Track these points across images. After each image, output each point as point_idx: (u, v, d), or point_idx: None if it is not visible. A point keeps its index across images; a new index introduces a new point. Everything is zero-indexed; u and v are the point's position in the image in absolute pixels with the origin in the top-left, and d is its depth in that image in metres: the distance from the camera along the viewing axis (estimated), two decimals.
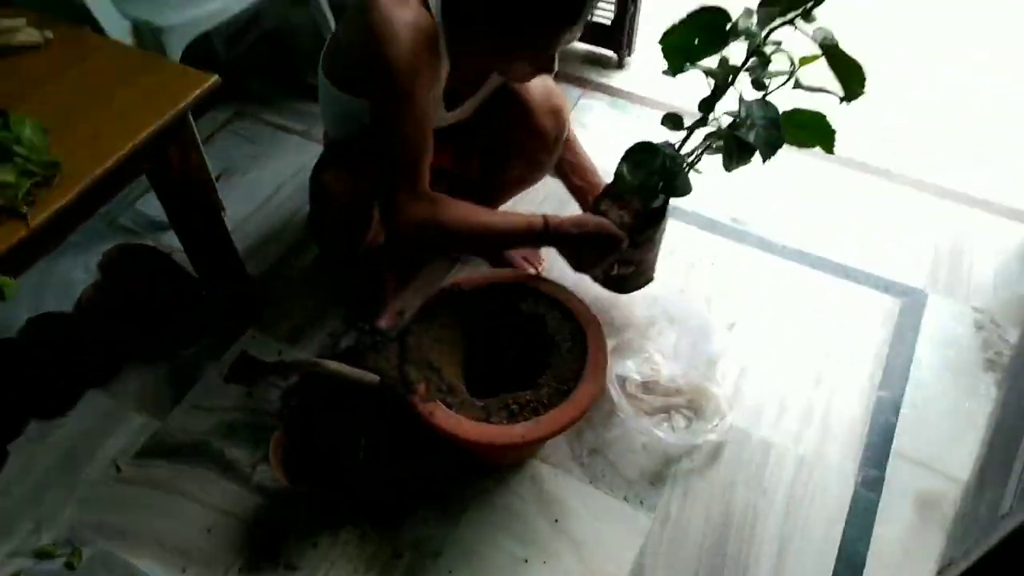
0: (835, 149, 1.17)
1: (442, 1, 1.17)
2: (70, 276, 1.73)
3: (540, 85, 1.43)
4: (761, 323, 1.63)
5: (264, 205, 1.90)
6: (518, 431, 1.18)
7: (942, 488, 1.36)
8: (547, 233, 1.28)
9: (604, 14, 2.16)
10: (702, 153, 1.28)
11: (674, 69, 1.16)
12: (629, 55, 2.25)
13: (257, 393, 1.53)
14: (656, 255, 1.52)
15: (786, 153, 1.22)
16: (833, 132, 1.17)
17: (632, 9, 2.12)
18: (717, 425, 1.39)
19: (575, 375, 1.25)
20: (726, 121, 1.20)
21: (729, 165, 1.22)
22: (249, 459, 1.43)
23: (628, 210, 1.36)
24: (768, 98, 1.17)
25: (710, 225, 1.81)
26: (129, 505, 1.38)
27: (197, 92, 1.27)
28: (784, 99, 1.15)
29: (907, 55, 2.36)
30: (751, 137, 1.14)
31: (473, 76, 1.35)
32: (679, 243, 1.73)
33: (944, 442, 1.42)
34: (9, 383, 1.49)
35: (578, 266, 1.40)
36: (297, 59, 2.29)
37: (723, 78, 1.19)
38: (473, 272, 1.69)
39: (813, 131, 1.18)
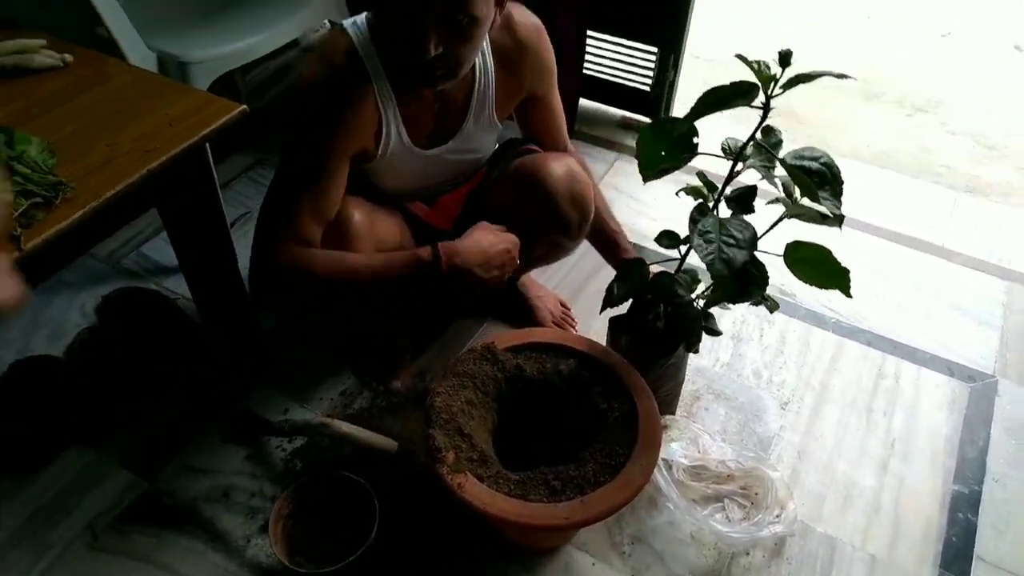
0: (865, 258, 1.05)
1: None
2: (64, 318, 1.59)
3: (563, 170, 1.28)
4: (816, 402, 1.48)
5: None
6: (561, 512, 1.02)
7: None
8: (437, 258, 1.15)
9: (642, 81, 2.11)
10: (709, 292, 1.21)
11: (646, 177, 1.07)
12: None
13: (258, 456, 1.37)
14: (678, 389, 1.41)
15: None
16: (845, 271, 1.06)
17: (671, 76, 2.06)
18: (780, 516, 1.23)
19: (625, 449, 1.09)
20: None
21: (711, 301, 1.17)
22: (243, 530, 1.26)
23: (638, 336, 1.27)
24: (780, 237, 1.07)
25: None
26: None
27: (222, 120, 1.17)
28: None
29: (963, 135, 2.30)
30: (703, 252, 1.01)
31: (428, 101, 1.20)
32: (722, 313, 1.61)
33: None
34: None
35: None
36: None
37: (707, 195, 1.13)
38: (507, 331, 1.55)
39: (821, 269, 1.07)
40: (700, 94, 0.97)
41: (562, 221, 1.30)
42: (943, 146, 2.25)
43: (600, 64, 2.13)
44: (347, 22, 1.13)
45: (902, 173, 2.10)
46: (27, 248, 0.94)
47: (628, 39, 2.05)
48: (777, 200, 1.11)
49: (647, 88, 2.10)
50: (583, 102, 2.17)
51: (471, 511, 1.03)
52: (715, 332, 1.25)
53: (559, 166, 1.28)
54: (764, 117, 1.00)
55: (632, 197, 1.95)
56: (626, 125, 2.21)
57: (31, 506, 1.29)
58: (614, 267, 1.43)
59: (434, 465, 1.07)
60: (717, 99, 0.96)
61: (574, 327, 1.61)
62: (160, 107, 1.16)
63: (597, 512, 1.02)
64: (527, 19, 1.21)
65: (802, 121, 2.19)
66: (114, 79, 1.22)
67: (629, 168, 2.05)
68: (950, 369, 1.54)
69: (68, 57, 1.23)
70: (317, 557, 1.16)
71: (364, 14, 1.13)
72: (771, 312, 1.20)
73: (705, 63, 2.62)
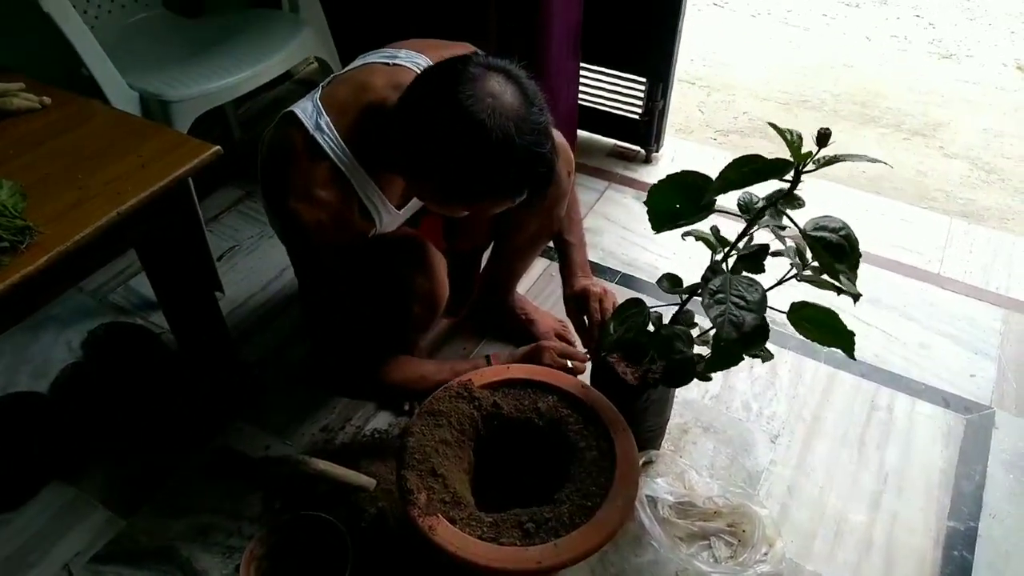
0: (858, 286, 0.99)
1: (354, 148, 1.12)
2: (50, 354, 1.59)
3: None
4: (807, 436, 1.45)
5: (266, 288, 1.78)
6: (533, 555, 0.99)
7: None
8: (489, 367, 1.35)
9: (632, 109, 2.10)
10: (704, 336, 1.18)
11: (657, 228, 1.05)
12: (657, 151, 2.18)
13: (237, 494, 1.35)
14: (663, 424, 1.39)
15: None
16: (851, 334, 1.04)
17: (661, 105, 2.06)
18: (768, 554, 1.20)
19: (601, 489, 1.07)
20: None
21: (711, 365, 1.12)
22: (220, 570, 1.24)
23: (635, 369, 1.25)
24: (779, 289, 1.05)
25: None
26: None
27: (195, 161, 1.16)
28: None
29: (960, 159, 2.28)
30: (713, 313, 0.98)
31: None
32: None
33: None
34: None
35: None
36: None
37: (716, 248, 1.09)
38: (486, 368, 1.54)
39: (827, 330, 1.05)
40: (733, 159, 0.93)
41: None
42: (940, 170, 2.23)
43: (590, 94, 2.13)
44: (313, 130, 1.11)
45: (897, 199, 2.07)
46: None
47: (617, 70, 2.06)
48: (780, 253, 1.08)
49: (637, 117, 2.10)
50: None
51: (442, 554, 1.01)
52: (707, 378, 1.21)
53: None
54: (792, 188, 0.96)
55: (622, 226, 1.94)
56: (617, 154, 2.20)
57: (8, 547, 1.28)
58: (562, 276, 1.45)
59: (406, 507, 1.05)
60: (752, 171, 0.93)
61: (573, 343, 1.60)
62: (134, 148, 1.17)
63: (570, 556, 1.00)
64: None
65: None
66: (91, 120, 1.23)
67: (619, 197, 2.04)
68: (945, 400, 1.51)
69: (46, 99, 1.24)
70: None
71: (314, 108, 1.12)
72: (763, 362, 1.17)
73: (699, 89, 2.61)
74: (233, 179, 2.08)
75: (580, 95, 2.10)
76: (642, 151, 2.19)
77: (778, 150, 0.92)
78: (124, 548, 1.28)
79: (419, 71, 1.16)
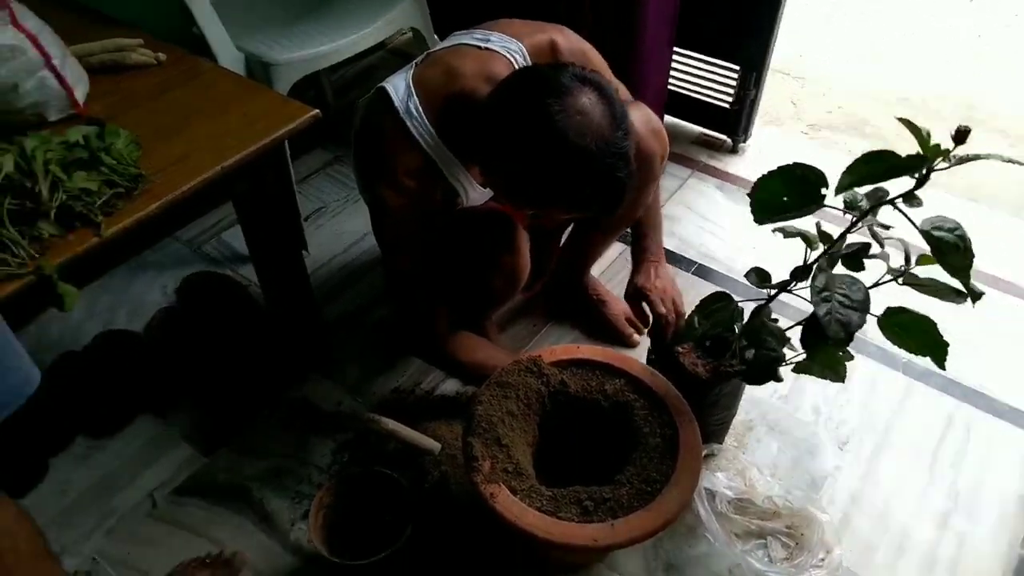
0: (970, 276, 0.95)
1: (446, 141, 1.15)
2: (146, 297, 1.70)
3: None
4: (877, 445, 1.42)
5: (349, 249, 1.84)
6: (590, 532, 1.01)
7: None
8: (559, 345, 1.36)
9: (722, 97, 2.06)
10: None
11: (759, 220, 1.03)
12: (744, 141, 2.13)
13: (309, 444, 1.42)
14: (730, 418, 1.37)
15: None
16: (945, 344, 1.00)
17: (753, 94, 2.01)
18: (825, 560, 1.19)
19: (662, 476, 1.08)
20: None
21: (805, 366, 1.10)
22: (289, 514, 1.31)
23: (705, 362, 1.24)
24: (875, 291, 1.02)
25: None
26: (157, 544, 1.28)
27: (295, 123, 1.21)
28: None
29: None
30: (821, 311, 0.97)
31: None
32: None
33: None
34: (64, 396, 1.44)
35: None
36: None
37: (817, 245, 1.06)
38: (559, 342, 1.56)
39: (920, 338, 1.02)
40: (858, 156, 0.91)
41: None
42: None
43: (680, 80, 2.10)
44: (403, 113, 1.14)
45: (995, 207, 1.98)
46: (106, 235, 1.01)
47: (710, 56, 2.01)
48: (876, 256, 1.05)
49: (727, 105, 2.06)
50: None
51: (501, 522, 1.04)
52: (778, 378, 1.20)
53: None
54: (918, 186, 0.94)
55: (701, 216, 1.92)
56: (702, 142, 2.16)
57: (103, 469, 1.39)
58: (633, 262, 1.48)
59: (469, 473, 1.09)
60: (885, 168, 0.92)
61: (642, 329, 1.60)
62: (239, 107, 1.22)
63: (626, 538, 1.02)
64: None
65: (891, 146, 2.06)
66: (200, 78, 1.29)
67: (701, 186, 2.01)
68: None
69: (161, 56, 1.31)
70: (352, 548, 1.19)
71: (407, 89, 1.15)
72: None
73: (793, 80, 2.54)
74: (324, 143, 2.15)
75: (671, 80, 2.07)
76: (729, 141, 2.14)
77: (873, 149, 0.90)
78: (203, 483, 1.37)
79: (510, 57, 1.17)
